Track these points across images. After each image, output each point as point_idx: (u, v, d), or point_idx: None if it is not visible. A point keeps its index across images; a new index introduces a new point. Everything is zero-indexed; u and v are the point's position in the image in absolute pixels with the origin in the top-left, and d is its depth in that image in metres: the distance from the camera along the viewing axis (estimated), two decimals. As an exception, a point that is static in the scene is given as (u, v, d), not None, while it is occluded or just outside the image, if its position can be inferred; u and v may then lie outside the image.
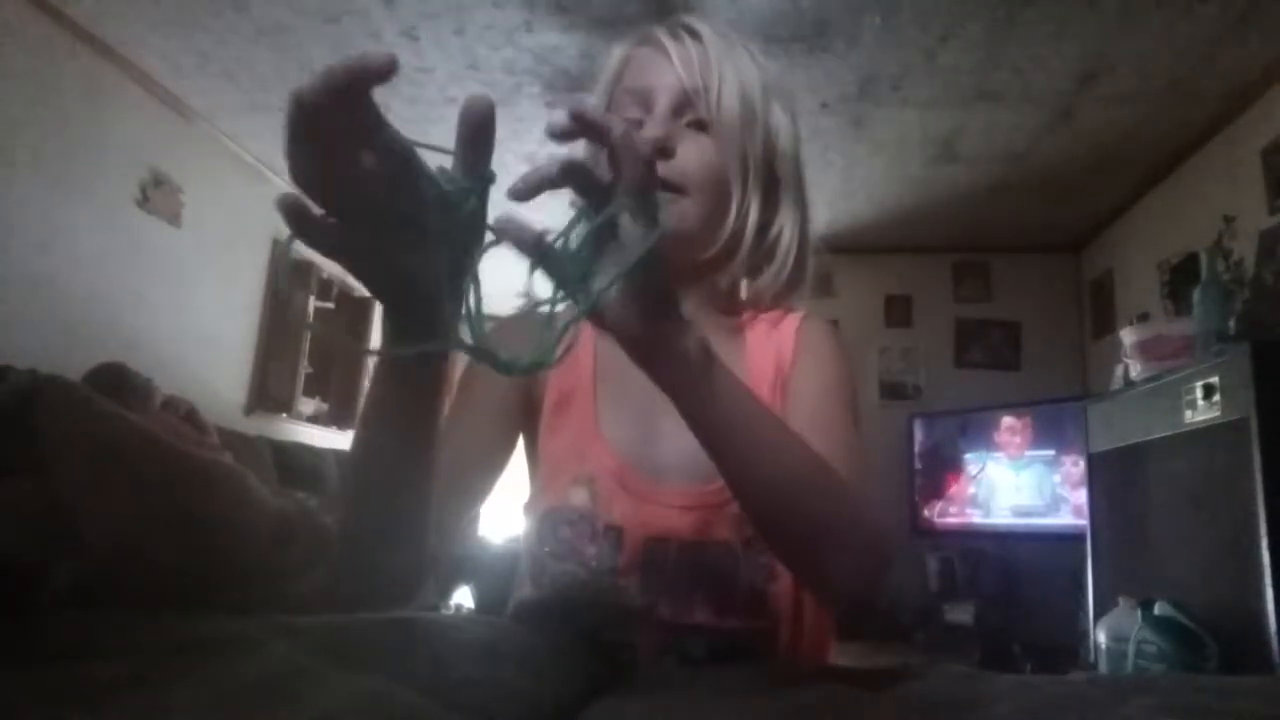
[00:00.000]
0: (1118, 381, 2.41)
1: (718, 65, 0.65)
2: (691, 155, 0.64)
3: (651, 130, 0.63)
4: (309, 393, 4.29)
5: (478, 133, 0.38)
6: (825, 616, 0.66)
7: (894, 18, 2.51)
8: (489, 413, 0.68)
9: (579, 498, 0.65)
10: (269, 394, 3.96)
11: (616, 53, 0.71)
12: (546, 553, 0.65)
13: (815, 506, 0.50)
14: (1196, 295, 2.13)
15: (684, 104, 0.65)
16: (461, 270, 0.38)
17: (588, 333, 0.71)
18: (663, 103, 0.64)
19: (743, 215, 0.66)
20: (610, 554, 0.63)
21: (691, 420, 0.47)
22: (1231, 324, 2.04)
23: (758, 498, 0.50)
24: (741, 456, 0.48)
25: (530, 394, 0.70)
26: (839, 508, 0.51)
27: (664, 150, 0.62)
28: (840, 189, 3.80)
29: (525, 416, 0.71)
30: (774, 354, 0.69)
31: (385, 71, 0.34)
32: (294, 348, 4.13)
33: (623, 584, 0.62)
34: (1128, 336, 2.32)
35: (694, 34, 0.67)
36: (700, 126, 0.65)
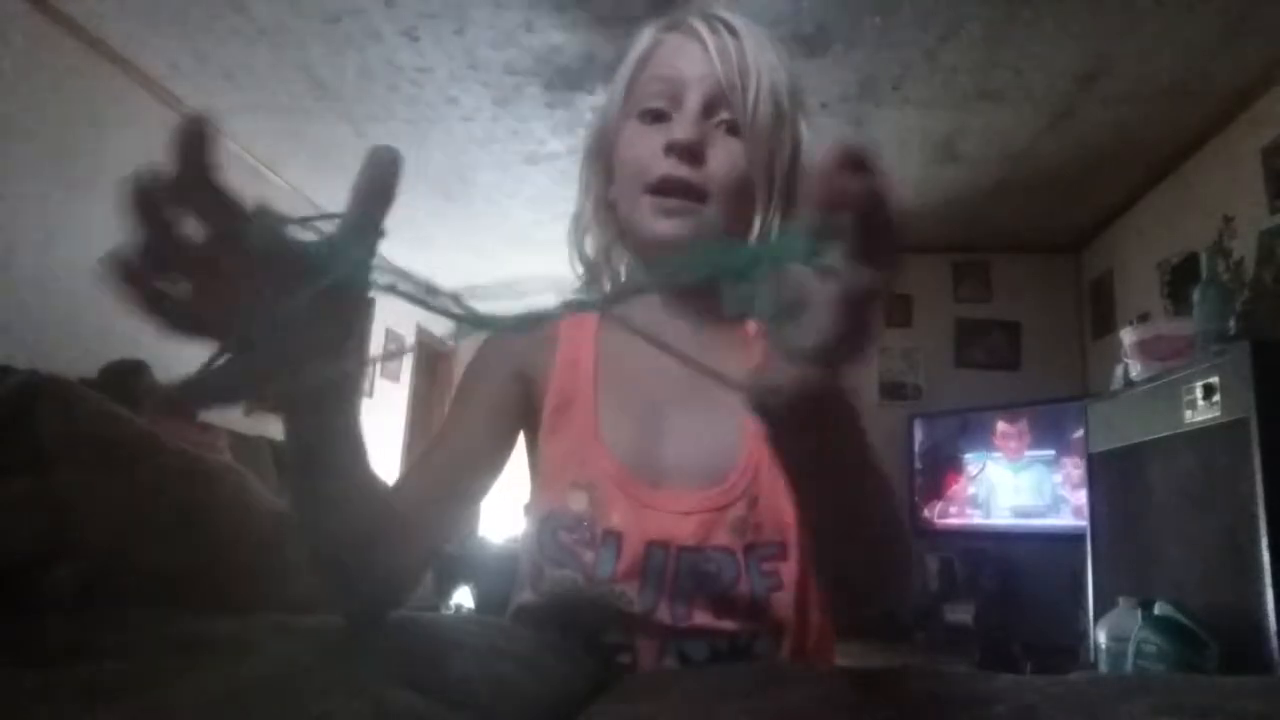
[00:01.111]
0: (1118, 381, 2.41)
1: (754, 64, 0.62)
2: (721, 161, 0.61)
3: (681, 130, 0.60)
4: (309, 393, 4.28)
5: (374, 188, 0.34)
6: (828, 623, 0.65)
7: (894, 18, 2.51)
8: (486, 413, 0.67)
9: (578, 503, 0.63)
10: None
11: (644, 36, 0.67)
12: (545, 558, 0.64)
13: (887, 557, 0.48)
14: (1196, 295, 2.13)
15: (716, 102, 0.61)
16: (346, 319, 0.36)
17: (588, 338, 0.70)
18: (694, 99, 0.61)
19: (766, 227, 0.64)
20: (609, 560, 0.62)
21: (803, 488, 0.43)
22: (1231, 324, 2.04)
23: (838, 551, 0.47)
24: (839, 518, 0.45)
25: (529, 396, 0.69)
26: (903, 554, 0.49)
27: (695, 155, 0.60)
28: (840, 189, 3.79)
29: (525, 418, 0.70)
30: None
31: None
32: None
33: (621, 590, 0.61)
34: (1128, 336, 2.32)
35: (730, 28, 0.63)
36: (731, 128, 0.62)
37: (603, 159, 0.70)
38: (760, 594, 0.61)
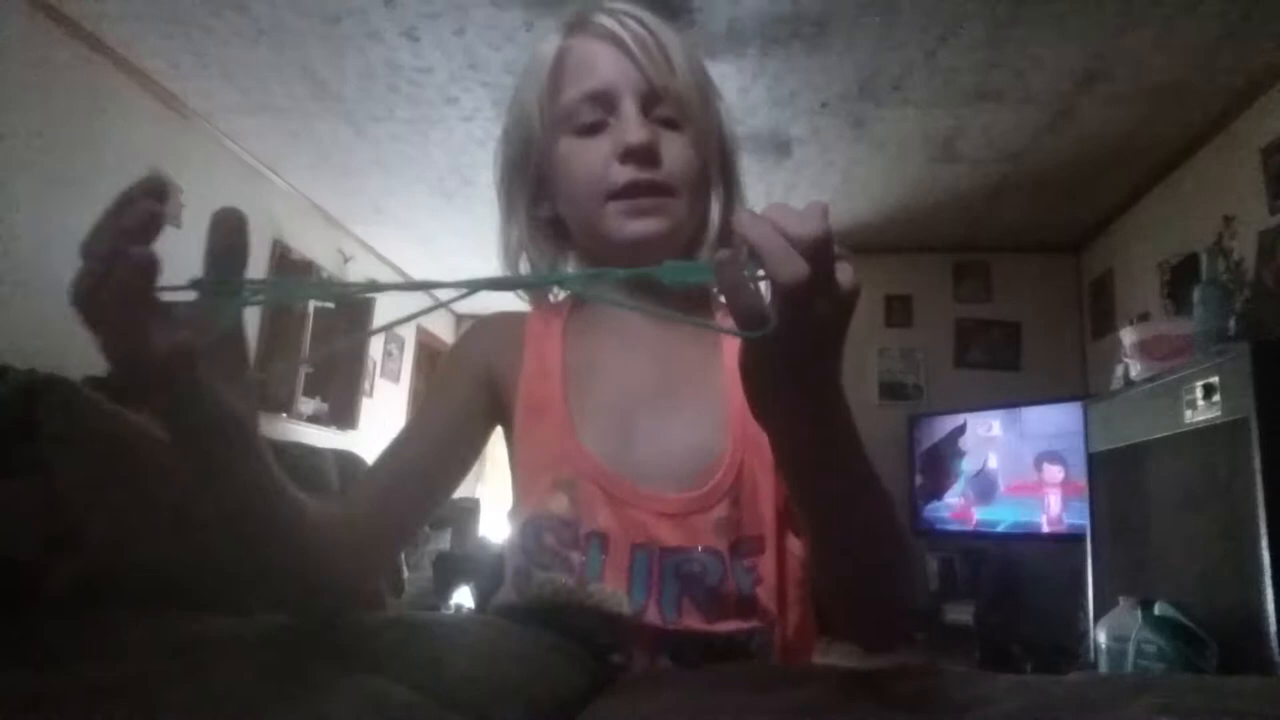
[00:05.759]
0: (1118, 381, 2.41)
1: (674, 55, 0.62)
2: (675, 157, 0.62)
3: (633, 135, 0.60)
4: (309, 393, 4.28)
5: (227, 247, 0.39)
6: (808, 617, 0.65)
7: (894, 18, 2.51)
8: (452, 414, 0.67)
9: (559, 504, 0.62)
10: (269, 394, 3.96)
11: (548, 46, 0.66)
12: (531, 562, 0.62)
13: (890, 569, 0.51)
14: (1196, 295, 2.13)
15: (650, 100, 0.62)
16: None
17: (555, 339, 0.69)
18: (629, 102, 0.61)
19: (724, 211, 0.66)
20: (596, 561, 0.60)
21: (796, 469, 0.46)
22: (1231, 324, 2.04)
23: (839, 561, 0.51)
24: (835, 520, 0.48)
25: (498, 397, 0.69)
26: (905, 570, 0.54)
27: (652, 156, 0.60)
28: (840, 189, 3.79)
29: (496, 417, 0.70)
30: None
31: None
32: (294, 348, 4.13)
33: (610, 590, 0.59)
34: (1128, 336, 2.32)
35: (639, 20, 0.62)
36: (667, 123, 0.62)
37: (527, 178, 0.70)
38: (746, 590, 0.60)
